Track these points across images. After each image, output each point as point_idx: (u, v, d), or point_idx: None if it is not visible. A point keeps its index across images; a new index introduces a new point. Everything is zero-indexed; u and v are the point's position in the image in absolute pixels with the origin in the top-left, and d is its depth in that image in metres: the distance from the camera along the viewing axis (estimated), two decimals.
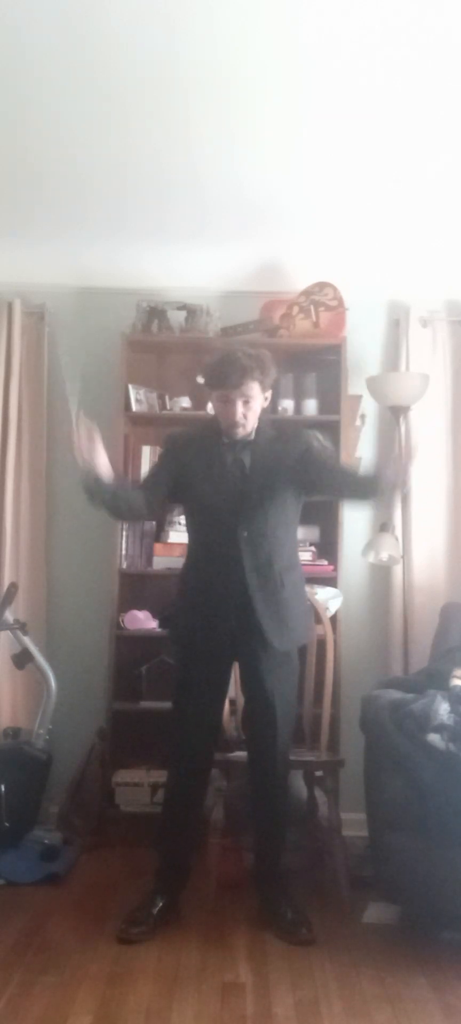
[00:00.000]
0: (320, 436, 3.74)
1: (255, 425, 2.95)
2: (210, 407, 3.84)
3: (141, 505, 2.95)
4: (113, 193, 3.37)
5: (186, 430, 3.23)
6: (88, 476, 2.72)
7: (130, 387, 3.88)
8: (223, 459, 2.94)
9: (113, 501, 2.84)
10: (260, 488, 2.91)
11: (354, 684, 3.66)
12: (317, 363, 3.98)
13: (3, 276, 4.02)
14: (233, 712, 3.28)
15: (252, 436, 2.96)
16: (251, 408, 2.89)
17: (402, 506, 3.94)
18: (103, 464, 2.72)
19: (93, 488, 2.74)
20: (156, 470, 3.10)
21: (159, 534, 3.90)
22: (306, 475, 2.95)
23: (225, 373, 2.84)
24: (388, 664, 3.91)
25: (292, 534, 3.04)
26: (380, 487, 2.91)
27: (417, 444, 3.28)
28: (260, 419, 2.98)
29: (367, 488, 3.00)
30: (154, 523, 3.89)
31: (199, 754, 2.98)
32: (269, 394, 2.99)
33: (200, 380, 3.88)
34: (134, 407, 3.88)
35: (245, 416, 2.88)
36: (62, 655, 3.92)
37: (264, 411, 3.00)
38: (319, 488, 3.06)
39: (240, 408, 2.86)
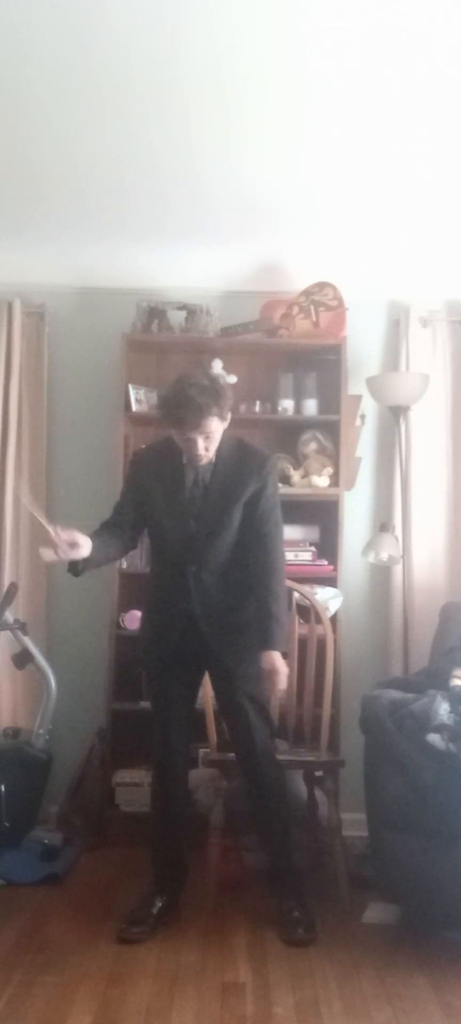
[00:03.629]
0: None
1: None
2: None
3: (119, 548, 3.00)
4: (113, 193, 3.37)
5: (151, 447, 3.19)
6: (73, 566, 2.80)
7: (130, 387, 3.88)
8: (184, 480, 2.93)
9: (96, 565, 2.88)
10: (215, 507, 2.90)
11: (354, 684, 3.66)
12: (317, 363, 3.97)
13: (3, 276, 4.02)
14: None
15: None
16: (212, 440, 2.86)
17: (402, 506, 3.94)
18: (83, 549, 2.73)
19: (78, 571, 2.83)
20: (122, 501, 3.08)
21: None
22: (247, 514, 2.91)
23: (181, 417, 2.77)
24: (388, 664, 3.91)
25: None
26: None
27: (282, 682, 2.92)
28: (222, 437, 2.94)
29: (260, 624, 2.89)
30: None
31: (175, 755, 3.01)
32: (229, 416, 2.91)
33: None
34: (134, 407, 3.88)
35: (207, 449, 2.86)
36: (62, 655, 3.93)
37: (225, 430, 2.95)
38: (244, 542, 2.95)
39: (201, 444, 2.84)
